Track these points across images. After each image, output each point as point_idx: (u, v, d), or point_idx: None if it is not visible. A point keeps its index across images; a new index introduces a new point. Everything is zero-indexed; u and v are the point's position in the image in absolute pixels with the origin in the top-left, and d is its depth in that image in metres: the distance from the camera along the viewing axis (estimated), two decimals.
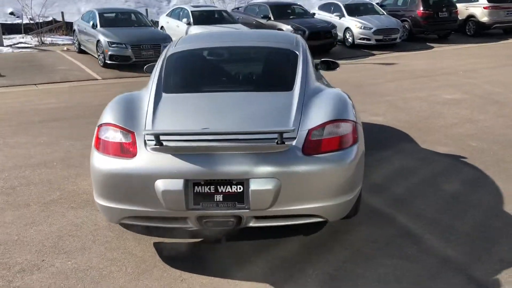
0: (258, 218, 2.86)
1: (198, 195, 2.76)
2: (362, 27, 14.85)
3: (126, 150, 2.88)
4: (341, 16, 15.75)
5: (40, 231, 3.51)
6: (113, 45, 11.47)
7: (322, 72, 4.73)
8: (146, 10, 21.48)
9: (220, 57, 3.96)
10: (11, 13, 20.60)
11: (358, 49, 14.67)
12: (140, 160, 2.81)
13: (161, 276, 2.92)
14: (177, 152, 2.78)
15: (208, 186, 2.75)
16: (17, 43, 15.92)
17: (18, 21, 19.58)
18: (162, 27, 15.46)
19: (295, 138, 2.88)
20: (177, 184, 2.71)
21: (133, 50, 11.50)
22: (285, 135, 2.82)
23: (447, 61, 11.92)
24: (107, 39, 11.65)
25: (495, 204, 3.80)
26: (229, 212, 2.78)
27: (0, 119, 6.88)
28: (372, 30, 14.58)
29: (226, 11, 14.83)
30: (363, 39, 14.78)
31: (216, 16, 14.31)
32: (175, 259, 3.11)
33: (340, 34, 15.43)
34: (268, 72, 3.86)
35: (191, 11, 13.89)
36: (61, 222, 3.64)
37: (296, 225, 2.98)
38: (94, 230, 3.49)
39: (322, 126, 2.96)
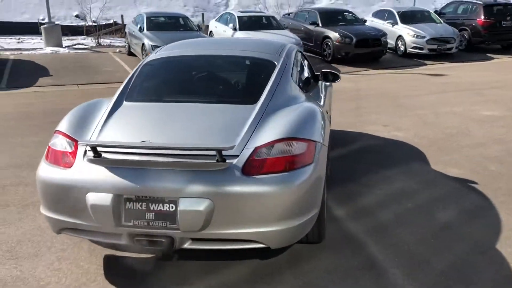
0: (194, 240, 2.68)
1: (130, 211, 2.63)
2: (415, 35, 14.16)
3: (66, 160, 2.82)
4: (394, 23, 15.12)
5: (4, 234, 3.53)
6: (156, 49, 11.67)
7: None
8: (203, 14, 21.86)
9: (194, 66, 3.82)
10: (76, 16, 21.72)
11: (410, 58, 14.02)
12: (75, 171, 2.73)
13: None
14: (110, 165, 2.67)
15: (140, 203, 2.62)
16: (75, 44, 16.71)
17: (82, 23, 20.56)
18: (211, 32, 15.61)
19: (237, 156, 2.67)
20: (106, 199, 2.60)
21: None
22: (226, 153, 2.63)
23: (503, 74, 11.04)
24: (151, 42, 11.92)
25: (487, 239, 3.36)
26: (160, 232, 2.63)
27: (28, 117, 7.16)
28: (426, 39, 13.86)
29: (273, 17, 14.69)
30: (415, 48, 14.10)
31: (263, 21, 14.22)
32: (118, 274, 3.00)
33: (392, 42, 14.83)
34: (237, 83, 3.67)
35: (238, 16, 13.89)
36: (29, 225, 3.66)
37: (250, 249, 2.76)
38: (55, 236, 3.46)
39: (271, 144, 2.73)
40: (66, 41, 16.95)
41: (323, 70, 4.69)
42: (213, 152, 2.61)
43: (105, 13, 21.56)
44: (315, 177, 2.81)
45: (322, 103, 4.05)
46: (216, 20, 15.60)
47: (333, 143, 5.57)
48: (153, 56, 3.96)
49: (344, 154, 5.35)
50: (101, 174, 2.66)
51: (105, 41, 17.76)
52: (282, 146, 2.74)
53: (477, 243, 3.31)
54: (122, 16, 20.11)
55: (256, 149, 2.70)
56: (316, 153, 2.88)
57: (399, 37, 14.71)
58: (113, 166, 2.66)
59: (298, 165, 2.73)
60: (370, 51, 13.39)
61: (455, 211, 3.83)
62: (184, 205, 2.53)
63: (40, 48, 15.60)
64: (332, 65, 13.15)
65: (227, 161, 2.61)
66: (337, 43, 13.21)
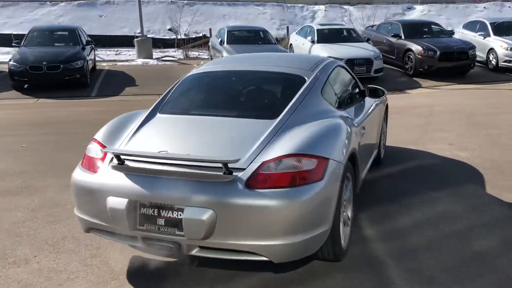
0: (202, 247, 2.80)
1: (144, 216, 2.82)
2: (509, 48, 13.22)
3: (94, 165, 3.08)
4: (486, 35, 14.25)
5: (54, 230, 3.91)
6: None
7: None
8: (287, 28, 22.14)
9: (226, 81, 3.96)
10: (170, 29, 23.06)
11: (501, 73, 13.13)
12: (100, 176, 2.98)
13: None
14: (129, 172, 2.88)
15: (153, 209, 2.79)
16: (164, 56, 17.76)
17: (174, 36, 21.79)
18: (291, 44, 15.79)
19: (244, 169, 2.75)
20: (122, 203, 2.80)
21: None
22: (234, 166, 2.73)
23: None
24: (224, 54, 12.35)
25: None
26: (168, 238, 2.78)
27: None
28: None
29: (353, 30, 14.52)
30: (509, 61, 13.15)
31: (342, 34, 14.12)
32: (138, 275, 3.20)
33: (482, 56, 13.99)
34: (263, 98, 3.73)
35: (317, 29, 13.93)
36: (76, 223, 4.01)
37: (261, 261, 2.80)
38: (94, 236, 3.75)
39: (279, 159, 2.78)
40: (157, 53, 18.09)
41: (368, 86, 4.61)
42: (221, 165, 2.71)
43: (195, 27, 22.70)
44: (323, 194, 2.80)
45: (359, 119, 3.98)
46: (296, 33, 15.74)
47: (386, 160, 5.42)
48: (195, 70, 4.17)
49: (394, 172, 5.17)
50: (120, 180, 2.88)
51: (193, 53, 18.66)
52: (290, 161, 2.77)
53: (509, 277, 3.06)
54: (210, 29, 20.99)
55: (263, 163, 2.76)
56: (328, 170, 2.86)
57: (491, 50, 13.83)
58: (132, 173, 2.87)
59: (305, 181, 2.75)
60: (455, 65, 12.74)
61: (495, 240, 3.56)
62: (188, 213, 2.66)
63: (132, 59, 16.81)
64: (414, 78, 12.69)
65: (233, 173, 2.70)
66: (419, 56, 12.74)
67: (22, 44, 12.10)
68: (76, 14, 22.78)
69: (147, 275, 3.19)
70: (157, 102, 3.74)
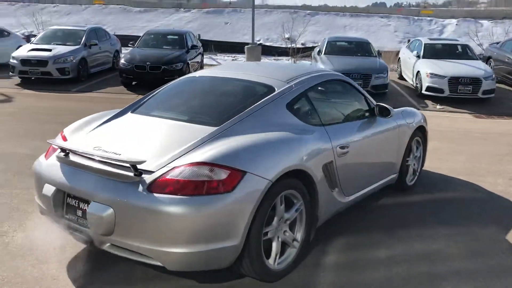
0: (113, 245, 2.83)
1: (68, 206, 2.96)
2: None
3: (49, 155, 3.30)
4: None
5: None
6: None
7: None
8: (408, 41, 21.02)
9: (202, 86, 3.94)
10: (287, 38, 23.47)
11: None
12: (46, 164, 3.20)
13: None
14: (64, 163, 3.06)
15: (74, 200, 2.92)
16: None
17: (293, 45, 22.12)
18: (399, 58, 15.02)
19: (152, 172, 2.77)
20: (50, 191, 3.01)
21: None
22: (145, 167, 2.77)
23: None
24: (321, 66, 12.20)
25: None
26: (82, 229, 2.89)
27: None
28: None
29: (467, 46, 13.29)
30: None
31: (453, 50, 13.03)
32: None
33: None
34: (220, 105, 3.62)
35: (424, 43, 13.06)
36: None
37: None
38: None
39: (191, 165, 2.73)
40: (265, 60, 18.55)
41: (377, 104, 4.25)
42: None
43: (314, 36, 22.78)
44: (231, 207, 2.69)
45: (346, 138, 3.69)
46: (406, 46, 14.92)
47: (419, 187, 4.95)
48: (187, 75, 4.26)
49: (416, 201, 4.67)
50: (55, 169, 3.08)
51: (304, 62, 18.77)
52: (201, 169, 2.71)
53: None
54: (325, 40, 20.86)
55: (174, 168, 2.74)
56: (242, 183, 2.74)
57: None
58: (65, 164, 3.06)
59: (211, 192, 2.67)
60: None
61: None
62: (92, 208, 2.76)
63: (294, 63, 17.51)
64: None
65: (142, 175, 2.74)
66: None
67: (135, 45, 13.38)
68: (204, 21, 24.41)
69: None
70: (135, 101, 3.90)
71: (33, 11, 21.48)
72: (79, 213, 2.91)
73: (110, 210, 2.70)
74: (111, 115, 3.65)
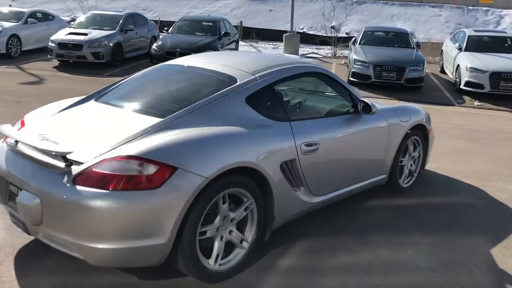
0: (45, 235, 2.79)
1: (11, 193, 2.93)
2: None
3: (6, 140, 3.27)
4: None
5: None
6: (357, 63, 11.51)
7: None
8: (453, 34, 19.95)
9: (167, 75, 3.81)
10: (332, 27, 22.90)
11: None
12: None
13: None
14: (11, 151, 3.05)
15: (14, 188, 2.89)
16: (310, 53, 17.78)
17: (336, 34, 21.59)
18: (442, 51, 14.27)
19: (82, 163, 2.70)
20: None
21: (375, 69, 11.21)
22: (75, 158, 2.71)
23: None
24: (354, 56, 11.80)
25: None
26: (18, 216, 2.86)
27: None
28: None
29: None
30: None
31: (501, 43, 12.21)
32: None
33: None
34: (176, 95, 3.46)
35: (468, 35, 12.31)
36: None
37: None
38: None
39: (120, 159, 2.64)
40: (305, 49, 18.21)
41: (361, 99, 3.98)
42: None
43: (359, 25, 22.06)
44: (156, 204, 2.59)
45: (316, 135, 3.48)
46: (450, 38, 14.12)
47: (416, 190, 4.68)
48: (164, 62, 4.16)
49: (404, 205, 4.38)
50: (2, 155, 3.08)
51: (344, 52, 18.25)
52: (128, 164, 2.62)
53: None
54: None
55: (103, 161, 2.66)
56: (172, 180, 2.63)
57: None
58: (11, 151, 3.04)
59: (136, 187, 2.58)
60: None
61: None
62: (21, 197, 2.74)
63: (278, 54, 17.25)
64: None
65: (72, 166, 2.68)
66: None
67: (169, 31, 13.46)
68: (248, 8, 24.24)
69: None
70: (101, 88, 3.84)
71: None
72: (16, 200, 2.88)
73: (37, 200, 2.66)
74: (75, 102, 3.62)
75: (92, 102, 3.57)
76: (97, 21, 13.58)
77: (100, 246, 2.57)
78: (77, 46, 12.10)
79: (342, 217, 4.03)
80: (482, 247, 3.61)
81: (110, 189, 2.56)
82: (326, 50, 18.99)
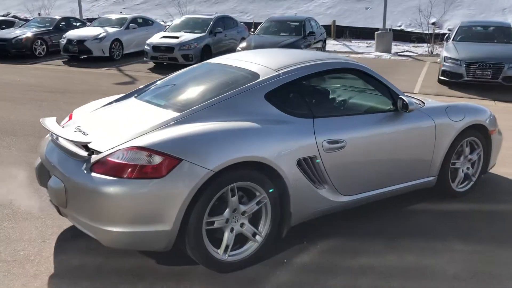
0: (72, 217, 3.05)
1: (46, 177, 3.29)
2: None
3: None
4: None
5: None
6: (448, 61, 10.85)
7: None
8: None
9: (203, 73, 3.89)
10: (433, 23, 21.67)
11: None
12: (44, 139, 3.59)
13: None
14: (51, 140, 3.42)
15: (48, 172, 3.27)
16: (404, 51, 17.02)
17: (437, 31, 20.43)
18: None
19: (100, 152, 2.93)
20: (37, 162, 3.45)
21: (467, 67, 10.48)
22: (95, 148, 2.96)
23: None
24: (445, 53, 11.13)
25: None
26: (51, 199, 3.21)
27: None
28: None
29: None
30: None
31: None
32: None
33: None
34: (197, 91, 3.52)
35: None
36: None
37: None
38: None
39: (129, 149, 2.82)
40: (399, 47, 17.49)
41: (399, 97, 3.79)
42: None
43: (462, 20, 20.64)
44: (160, 192, 2.73)
45: (340, 133, 3.41)
46: None
47: (473, 196, 4.40)
48: (202, 62, 4.31)
49: (452, 211, 4.08)
50: (45, 145, 3.46)
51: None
52: (137, 154, 2.80)
53: None
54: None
55: (117, 151, 2.87)
56: (177, 170, 2.76)
57: None
58: (52, 142, 3.40)
59: (143, 176, 2.75)
60: None
61: None
62: (51, 181, 3.05)
63: (368, 52, 16.78)
64: None
65: (92, 155, 2.94)
66: None
67: (255, 32, 13.77)
68: (344, 6, 23.86)
69: None
70: (142, 86, 4.09)
71: (180, 1, 23.41)
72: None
73: (61, 185, 2.96)
74: (117, 98, 3.92)
75: (132, 99, 3.84)
76: (189, 25, 14.33)
77: (111, 229, 2.79)
78: (169, 48, 12.88)
79: (379, 219, 3.88)
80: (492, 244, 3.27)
81: (121, 176, 2.76)
82: (424, 48, 18.07)
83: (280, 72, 3.47)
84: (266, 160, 3.04)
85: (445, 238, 3.57)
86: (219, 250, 3.02)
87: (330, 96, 3.85)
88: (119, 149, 2.88)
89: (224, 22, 14.78)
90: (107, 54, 14.16)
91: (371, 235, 3.60)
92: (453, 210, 4.10)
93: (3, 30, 15.75)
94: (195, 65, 4.26)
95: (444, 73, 10.83)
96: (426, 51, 17.23)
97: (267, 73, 3.47)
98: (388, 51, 16.49)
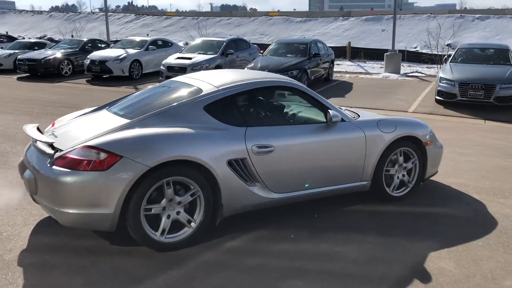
0: (41, 203, 3.79)
1: (24, 170, 4.04)
2: None
3: None
4: None
5: None
6: (443, 81, 11.30)
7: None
8: None
9: (162, 89, 4.55)
10: (448, 45, 21.95)
11: None
12: (28, 144, 4.36)
13: None
14: (32, 144, 4.17)
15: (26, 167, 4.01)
16: (412, 72, 17.42)
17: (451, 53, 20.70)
18: None
19: (62, 150, 3.65)
20: (19, 160, 4.21)
21: (460, 88, 10.91)
22: (59, 147, 3.71)
23: None
24: (441, 74, 11.58)
25: None
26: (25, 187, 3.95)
27: None
28: None
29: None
30: None
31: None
32: None
33: None
34: (152, 103, 4.20)
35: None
36: None
37: None
38: None
39: (83, 148, 3.52)
40: (407, 68, 17.91)
41: (328, 109, 4.39)
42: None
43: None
44: (103, 182, 3.41)
45: (266, 139, 4.01)
46: None
47: (410, 199, 4.89)
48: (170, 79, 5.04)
49: (381, 211, 4.60)
50: (26, 148, 4.23)
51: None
52: (88, 151, 3.50)
53: None
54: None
55: (74, 149, 3.58)
56: (118, 165, 3.44)
57: None
58: (32, 145, 4.14)
59: (91, 168, 3.45)
60: None
61: None
62: (25, 174, 3.82)
63: (378, 73, 17.26)
64: None
65: (56, 153, 3.67)
66: None
67: (263, 53, 14.53)
68: (361, 28, 24.45)
69: None
70: (113, 100, 4.82)
71: (202, 25, 24.54)
72: None
73: (32, 176, 3.71)
74: (92, 109, 4.68)
75: (103, 110, 4.59)
76: (204, 47, 15.27)
77: (67, 210, 3.50)
78: (182, 68, 13.77)
79: (313, 217, 4.44)
80: (424, 250, 3.77)
81: (76, 169, 3.48)
82: (435, 69, 18.40)
83: (220, 88, 4.15)
84: (197, 159, 3.70)
85: (365, 232, 4.11)
86: (157, 233, 3.68)
87: (265, 109, 4.48)
88: (76, 148, 3.60)
89: (237, 44, 15.63)
90: (126, 74, 15.22)
91: (300, 228, 4.18)
92: (385, 211, 4.61)
93: (35, 51, 17.11)
94: (162, 83, 4.99)
95: (439, 93, 11.26)
96: (436, 72, 17.56)
97: (209, 89, 4.15)
98: (397, 71, 16.94)
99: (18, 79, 15.81)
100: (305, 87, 4.53)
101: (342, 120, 4.48)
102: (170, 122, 3.86)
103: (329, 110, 4.38)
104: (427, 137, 4.96)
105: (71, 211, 3.50)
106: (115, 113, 4.27)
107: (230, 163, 3.87)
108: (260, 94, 4.44)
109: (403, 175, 4.92)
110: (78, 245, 3.83)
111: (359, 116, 4.82)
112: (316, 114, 4.48)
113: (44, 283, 3.29)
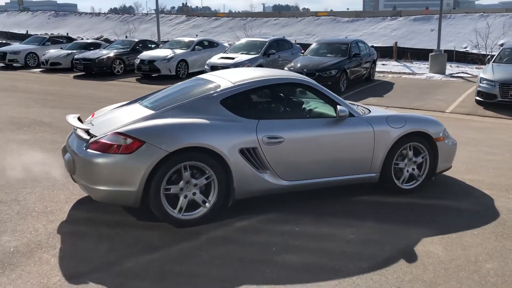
0: (78, 182, 4.42)
1: (65, 153, 4.68)
2: None
3: None
4: None
5: None
6: (483, 82, 11.23)
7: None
8: None
9: (189, 85, 5.07)
10: (501, 45, 21.30)
11: None
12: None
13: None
14: (73, 131, 4.79)
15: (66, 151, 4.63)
16: (458, 73, 17.13)
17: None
18: None
19: (96, 136, 4.21)
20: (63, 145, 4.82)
21: (501, 88, 10.82)
22: (94, 133, 4.28)
23: None
24: (481, 75, 11.49)
25: None
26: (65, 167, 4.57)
27: None
28: None
29: None
30: None
31: None
32: None
33: None
34: (176, 96, 4.70)
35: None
36: None
37: None
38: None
39: (112, 134, 4.06)
40: (454, 69, 17.62)
41: (337, 105, 4.72)
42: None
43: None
44: (128, 163, 3.94)
45: (276, 130, 4.40)
46: None
47: (422, 192, 5.13)
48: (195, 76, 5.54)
49: (390, 202, 4.87)
50: (68, 134, 4.83)
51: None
52: (116, 137, 4.04)
53: None
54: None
55: (106, 135, 4.14)
56: (141, 149, 3.95)
57: None
58: (73, 132, 4.76)
59: (119, 151, 3.99)
60: None
61: None
62: (66, 156, 4.42)
63: (422, 73, 17.12)
64: None
65: (91, 138, 4.24)
66: None
67: (304, 53, 14.86)
68: (409, 28, 24.16)
69: None
70: (147, 94, 5.37)
71: (249, 25, 25.09)
72: None
73: (71, 158, 4.31)
74: (128, 102, 5.26)
75: (136, 103, 5.16)
76: (247, 47, 15.79)
77: (97, 187, 4.07)
78: (225, 68, 14.33)
79: (324, 204, 4.78)
80: (418, 236, 4.04)
81: (106, 152, 4.04)
82: (476, 70, 17.99)
83: (235, 84, 4.59)
84: (211, 147, 4.16)
85: (365, 219, 4.42)
86: (175, 210, 4.17)
87: (277, 104, 4.86)
88: (107, 134, 4.17)
89: (279, 44, 16.05)
90: (173, 73, 16.02)
91: (305, 213, 4.54)
92: (390, 202, 4.88)
93: (90, 51, 18.30)
94: (189, 79, 5.50)
95: (479, 93, 11.18)
96: (470, 72, 17.17)
97: (226, 85, 4.61)
98: (442, 72, 16.75)
99: (74, 77, 17.01)
100: (316, 83, 4.89)
101: (351, 115, 4.80)
102: (189, 113, 4.35)
103: (337, 105, 4.71)
104: (439, 133, 5.16)
105: (102, 188, 4.06)
106: (145, 105, 4.82)
107: (242, 151, 4.30)
108: (273, 90, 4.84)
109: (413, 169, 5.15)
110: (108, 219, 4.40)
111: (370, 112, 5.11)
112: (326, 109, 4.83)
113: (76, 247, 3.86)
